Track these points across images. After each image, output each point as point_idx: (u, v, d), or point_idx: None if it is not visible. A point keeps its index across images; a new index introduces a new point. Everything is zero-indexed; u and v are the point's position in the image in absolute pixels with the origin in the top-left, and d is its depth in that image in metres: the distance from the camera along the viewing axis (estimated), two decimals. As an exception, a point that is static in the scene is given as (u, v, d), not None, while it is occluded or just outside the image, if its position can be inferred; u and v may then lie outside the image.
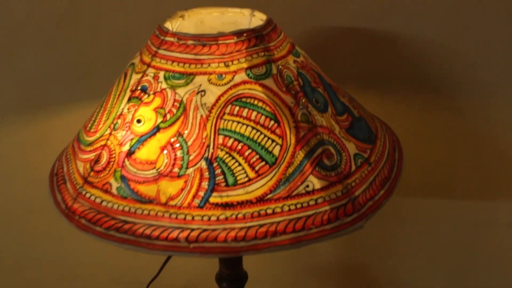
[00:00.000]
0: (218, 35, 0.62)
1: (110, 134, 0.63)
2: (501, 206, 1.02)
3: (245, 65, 0.61)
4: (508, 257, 1.06)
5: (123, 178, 0.61)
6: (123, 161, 0.61)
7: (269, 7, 0.79)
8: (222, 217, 0.57)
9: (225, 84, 0.61)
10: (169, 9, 0.90)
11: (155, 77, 0.63)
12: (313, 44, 0.91)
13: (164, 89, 0.62)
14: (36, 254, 1.09)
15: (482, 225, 1.04)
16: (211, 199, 0.58)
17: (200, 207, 0.58)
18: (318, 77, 0.67)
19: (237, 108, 0.60)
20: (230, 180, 0.58)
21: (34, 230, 1.08)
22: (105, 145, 0.63)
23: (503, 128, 0.96)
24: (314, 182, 0.59)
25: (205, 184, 0.58)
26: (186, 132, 0.60)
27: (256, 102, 0.60)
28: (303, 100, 0.63)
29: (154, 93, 0.62)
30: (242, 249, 0.57)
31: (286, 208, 0.58)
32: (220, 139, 0.59)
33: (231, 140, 0.59)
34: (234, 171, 0.58)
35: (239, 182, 0.58)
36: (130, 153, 0.61)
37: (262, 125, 0.60)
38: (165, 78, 0.62)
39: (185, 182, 0.58)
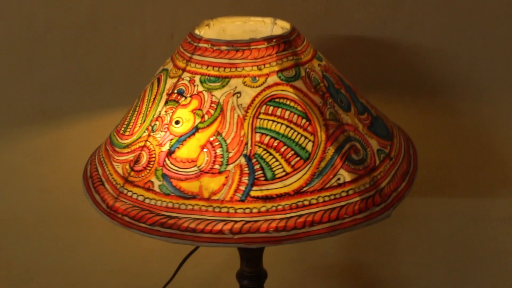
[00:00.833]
0: (250, 41, 0.66)
1: (149, 135, 0.67)
2: (496, 202, 1.09)
3: (276, 68, 0.66)
4: (503, 251, 1.12)
5: (164, 176, 0.64)
6: (164, 160, 0.65)
7: (275, 17, 0.83)
8: (263, 209, 0.61)
9: (259, 86, 0.65)
10: (183, 22, 0.95)
11: (191, 81, 0.67)
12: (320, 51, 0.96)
13: (201, 91, 0.66)
14: (47, 262, 1.11)
15: (478, 220, 1.10)
16: (252, 193, 0.62)
17: (241, 200, 0.61)
18: (339, 79, 0.72)
19: (271, 108, 0.64)
20: (269, 174, 0.62)
21: (45, 239, 1.09)
22: (144, 146, 0.67)
23: (495, 128, 1.02)
24: (345, 175, 0.64)
25: (245, 179, 0.62)
26: (224, 131, 0.64)
27: (288, 102, 0.65)
28: (330, 100, 0.67)
29: (191, 96, 0.66)
30: (283, 238, 0.61)
31: (321, 200, 0.62)
32: (257, 137, 0.63)
33: (268, 138, 0.63)
34: (272, 166, 0.62)
35: (277, 176, 0.62)
36: (170, 153, 0.65)
37: (295, 123, 0.64)
38: (201, 82, 0.66)
39: (226, 177, 0.62)
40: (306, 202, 0.62)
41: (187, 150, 0.64)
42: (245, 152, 0.63)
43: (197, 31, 0.73)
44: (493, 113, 1.01)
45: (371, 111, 0.73)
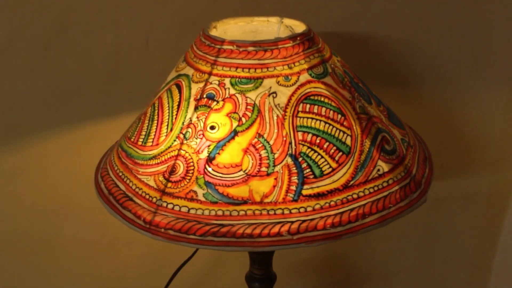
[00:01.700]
0: (276, 40, 0.66)
1: (182, 143, 0.64)
2: (459, 182, 1.16)
3: (305, 66, 0.66)
4: (467, 226, 1.20)
5: (208, 184, 0.62)
6: (204, 168, 0.63)
7: (250, 14, 0.82)
8: (317, 206, 0.61)
9: (293, 84, 0.65)
10: (158, 27, 0.92)
11: (221, 84, 0.65)
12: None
13: (233, 94, 0.64)
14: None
15: (443, 200, 1.17)
16: (304, 192, 0.61)
17: (294, 200, 0.61)
18: (355, 74, 0.73)
19: (308, 105, 0.64)
20: (317, 172, 0.62)
21: (15, 264, 1.02)
22: (177, 155, 0.64)
23: (458, 112, 1.09)
24: (383, 166, 0.65)
25: (295, 179, 0.62)
26: (265, 132, 0.63)
27: (322, 98, 0.65)
28: (356, 94, 0.69)
29: (223, 100, 0.64)
30: (341, 233, 0.61)
31: (366, 192, 0.64)
32: (300, 135, 0.63)
33: (310, 135, 0.63)
34: (319, 163, 0.63)
35: (325, 172, 0.62)
36: (210, 159, 0.63)
37: (333, 119, 0.65)
38: (232, 84, 0.65)
39: (275, 179, 0.61)
40: (354, 196, 0.63)
41: (229, 155, 0.62)
42: (290, 151, 0.62)
43: (208, 34, 0.71)
44: (457, 99, 1.07)
45: (383, 103, 0.75)
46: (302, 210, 0.61)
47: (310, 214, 0.61)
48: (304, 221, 0.61)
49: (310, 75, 0.66)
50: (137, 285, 1.12)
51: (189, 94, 0.66)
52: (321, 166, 0.62)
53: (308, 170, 0.62)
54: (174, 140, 0.65)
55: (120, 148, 0.72)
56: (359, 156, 0.64)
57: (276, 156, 0.62)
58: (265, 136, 0.63)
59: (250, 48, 0.65)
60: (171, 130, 0.66)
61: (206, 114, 0.64)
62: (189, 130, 0.64)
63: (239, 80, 0.65)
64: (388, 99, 1.04)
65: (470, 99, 1.07)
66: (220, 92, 0.65)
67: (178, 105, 0.67)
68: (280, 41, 0.66)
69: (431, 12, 1.00)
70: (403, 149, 0.69)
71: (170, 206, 0.63)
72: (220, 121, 0.64)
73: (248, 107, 0.64)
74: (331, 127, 0.64)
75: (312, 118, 0.64)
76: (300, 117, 0.64)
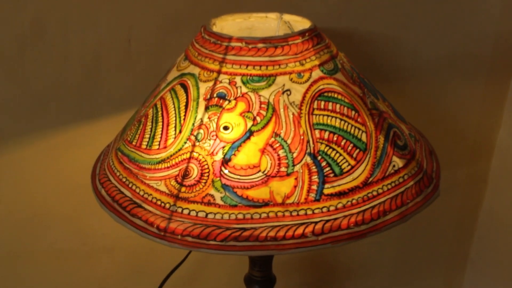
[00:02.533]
0: (286, 36, 0.64)
1: (194, 145, 0.61)
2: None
3: (317, 62, 0.65)
4: (445, 217, 1.22)
5: (225, 187, 0.60)
6: (220, 170, 0.60)
7: (233, 11, 0.80)
8: (339, 205, 0.60)
9: (306, 81, 0.63)
10: (140, 25, 0.88)
11: (232, 83, 0.63)
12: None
13: (246, 93, 0.62)
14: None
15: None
16: (325, 191, 0.60)
17: (316, 200, 0.59)
18: (359, 70, 0.72)
19: (322, 102, 0.63)
20: (337, 170, 0.61)
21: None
22: (190, 157, 0.61)
23: (438, 104, 1.11)
24: (398, 162, 0.65)
25: (315, 178, 0.60)
26: (282, 131, 0.61)
27: (336, 95, 0.64)
28: (365, 90, 0.68)
29: (235, 99, 0.62)
30: (365, 232, 0.60)
31: (385, 188, 0.63)
32: (317, 133, 0.61)
33: (327, 133, 0.62)
34: (338, 160, 0.61)
35: (344, 170, 0.61)
36: (226, 161, 0.60)
37: (347, 116, 0.63)
38: (243, 82, 0.62)
39: (296, 179, 0.60)
40: (374, 193, 0.62)
41: (246, 156, 0.60)
42: (308, 150, 0.61)
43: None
44: (436, 93, 1.09)
45: (386, 98, 0.75)
46: (325, 209, 0.59)
47: (333, 214, 0.59)
48: (327, 221, 0.59)
49: (322, 71, 0.64)
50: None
51: (198, 94, 0.64)
52: (340, 164, 0.61)
53: (328, 168, 0.60)
54: (185, 142, 0.62)
55: (120, 152, 0.68)
56: (375, 152, 0.63)
57: (294, 155, 0.60)
58: (282, 135, 0.61)
59: (260, 45, 0.63)
60: (180, 132, 0.63)
61: (218, 114, 0.62)
62: (201, 131, 0.62)
63: (251, 78, 0.62)
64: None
65: (449, 92, 1.08)
66: (232, 91, 0.62)
67: (186, 106, 0.64)
68: (289, 37, 0.64)
69: (412, 8, 1.01)
70: (412, 144, 0.69)
71: (185, 211, 0.60)
72: (233, 121, 0.61)
73: (262, 105, 0.61)
74: (346, 123, 0.63)
75: (328, 115, 0.62)
76: (316, 115, 0.62)
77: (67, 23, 0.86)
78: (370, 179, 0.62)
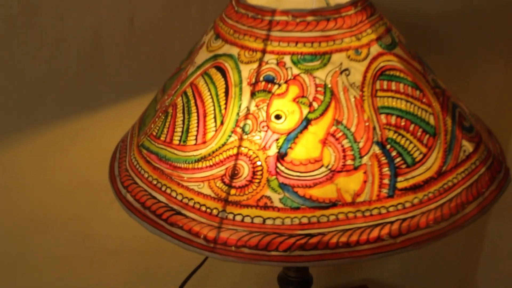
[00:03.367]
0: (338, 7, 0.55)
1: (241, 139, 0.52)
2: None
3: (373, 36, 0.56)
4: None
5: (284, 186, 0.51)
6: (276, 167, 0.51)
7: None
8: (416, 201, 0.52)
9: (364, 58, 0.55)
10: (144, 3, 0.78)
11: (280, 63, 0.53)
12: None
13: (298, 74, 0.53)
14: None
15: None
16: (398, 185, 0.52)
17: (390, 196, 0.51)
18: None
19: (385, 82, 0.55)
20: (409, 160, 0.53)
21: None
22: (237, 153, 0.52)
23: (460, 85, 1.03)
24: (468, 146, 0.57)
25: (386, 170, 0.52)
26: (344, 118, 0.52)
27: (398, 73, 0.56)
28: (425, 66, 0.60)
29: (286, 82, 0.53)
30: (445, 230, 0.52)
31: (459, 178, 0.55)
32: (383, 118, 0.53)
33: (394, 117, 0.54)
34: (409, 149, 0.53)
35: (416, 160, 0.53)
36: (281, 156, 0.51)
37: (412, 96, 0.55)
38: (294, 63, 0.53)
39: (365, 173, 0.51)
40: (450, 184, 0.54)
41: (304, 149, 0.51)
42: (376, 138, 0.52)
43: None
44: (458, 71, 1.02)
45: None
46: (400, 207, 0.51)
47: (410, 211, 0.51)
48: (404, 219, 0.51)
49: (380, 46, 0.56)
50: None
51: (240, 78, 0.54)
52: (411, 152, 0.53)
53: (399, 158, 0.52)
54: (229, 136, 0.53)
55: (145, 149, 0.59)
56: (444, 136, 0.55)
57: (361, 145, 0.52)
58: (344, 122, 0.52)
59: (310, 18, 0.54)
60: (222, 123, 0.54)
61: (268, 101, 0.53)
62: (248, 122, 0.52)
63: (302, 57, 0.53)
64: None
65: (471, 70, 1.01)
66: (281, 73, 0.53)
67: (226, 93, 0.54)
68: (342, 8, 0.55)
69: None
70: (476, 124, 0.61)
71: (238, 217, 0.51)
72: (286, 108, 0.52)
73: (318, 89, 0.53)
74: (412, 105, 0.55)
75: (393, 97, 0.54)
76: (379, 97, 0.54)
77: (62, 1, 0.75)
78: (444, 168, 0.54)
